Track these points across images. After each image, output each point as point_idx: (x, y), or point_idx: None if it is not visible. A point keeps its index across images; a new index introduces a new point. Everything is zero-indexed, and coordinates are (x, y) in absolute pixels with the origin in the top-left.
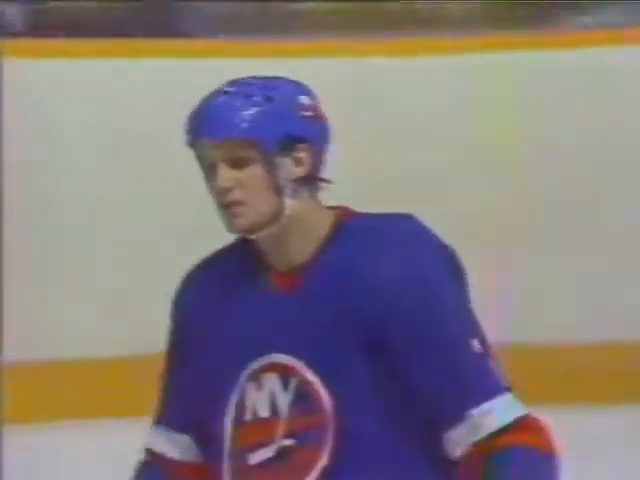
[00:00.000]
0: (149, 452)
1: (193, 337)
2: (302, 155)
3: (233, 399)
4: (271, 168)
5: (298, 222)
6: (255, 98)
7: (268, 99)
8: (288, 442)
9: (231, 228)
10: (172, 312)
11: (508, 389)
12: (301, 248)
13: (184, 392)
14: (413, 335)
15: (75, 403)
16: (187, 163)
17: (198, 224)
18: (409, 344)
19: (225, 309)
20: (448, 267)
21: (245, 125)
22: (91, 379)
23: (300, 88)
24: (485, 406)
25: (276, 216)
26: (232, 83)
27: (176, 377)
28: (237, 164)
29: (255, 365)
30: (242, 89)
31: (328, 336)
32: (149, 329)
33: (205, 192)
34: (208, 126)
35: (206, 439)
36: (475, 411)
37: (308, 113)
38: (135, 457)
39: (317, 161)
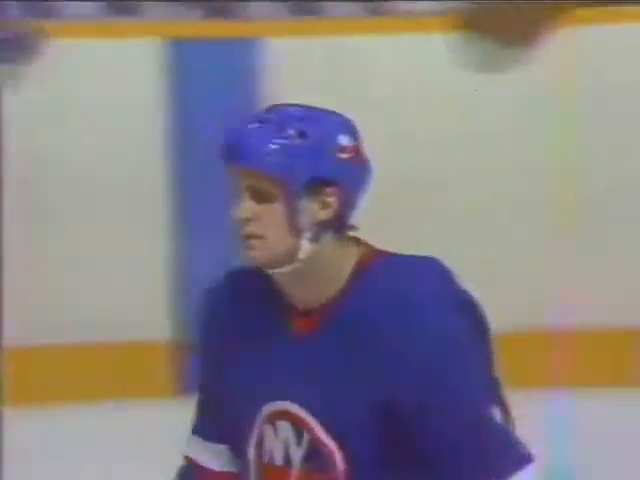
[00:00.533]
0: (188, 459)
1: (215, 354)
2: (330, 199)
3: (253, 435)
4: (292, 209)
5: (316, 264)
6: (289, 131)
7: (302, 135)
8: None
9: (247, 259)
10: (199, 324)
11: (529, 457)
12: (319, 289)
13: (214, 404)
14: (429, 401)
15: (75, 386)
16: None
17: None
18: (425, 410)
19: (245, 339)
20: (470, 321)
21: (271, 160)
22: (90, 363)
23: (343, 125)
24: None
25: (291, 257)
26: (271, 109)
27: (205, 389)
28: (260, 196)
29: (270, 408)
30: (279, 118)
31: (342, 391)
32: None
33: None
34: (236, 152)
35: (237, 455)
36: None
37: (345, 155)
38: (133, 438)
39: (346, 205)
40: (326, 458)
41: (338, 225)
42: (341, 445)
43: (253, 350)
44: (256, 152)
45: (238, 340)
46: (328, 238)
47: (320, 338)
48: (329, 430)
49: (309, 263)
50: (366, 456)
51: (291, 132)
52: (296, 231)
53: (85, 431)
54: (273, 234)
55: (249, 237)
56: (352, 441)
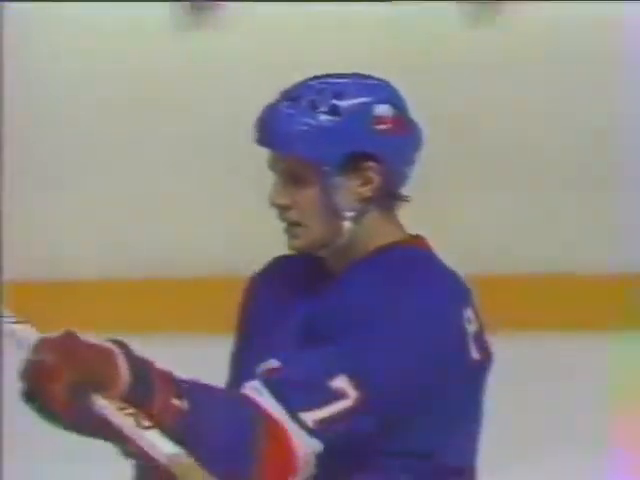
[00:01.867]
0: None
1: (244, 325)
2: (370, 174)
3: None
4: (330, 191)
5: (359, 239)
6: (322, 109)
7: (335, 111)
8: None
9: (288, 246)
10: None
11: (295, 416)
12: (347, 259)
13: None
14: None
15: (73, 321)
16: None
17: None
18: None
19: (272, 311)
20: (451, 346)
21: (304, 145)
22: (91, 298)
23: (382, 94)
24: (258, 385)
25: (334, 239)
26: (302, 85)
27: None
28: (296, 180)
29: (259, 370)
30: (310, 95)
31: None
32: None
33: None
34: (268, 135)
35: None
36: (259, 380)
37: (383, 126)
38: None
39: (391, 177)
40: None
41: (383, 199)
42: None
43: (274, 318)
44: (284, 135)
45: (267, 314)
46: (374, 213)
47: (320, 305)
48: None
49: (350, 239)
50: None
51: (323, 110)
52: (336, 213)
53: None
54: (312, 219)
55: (290, 224)
56: None
